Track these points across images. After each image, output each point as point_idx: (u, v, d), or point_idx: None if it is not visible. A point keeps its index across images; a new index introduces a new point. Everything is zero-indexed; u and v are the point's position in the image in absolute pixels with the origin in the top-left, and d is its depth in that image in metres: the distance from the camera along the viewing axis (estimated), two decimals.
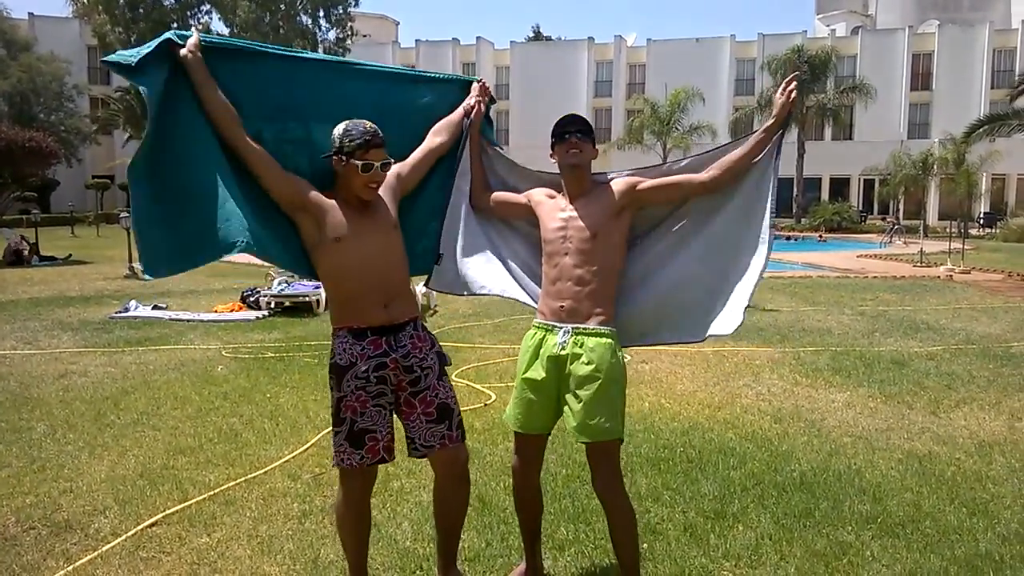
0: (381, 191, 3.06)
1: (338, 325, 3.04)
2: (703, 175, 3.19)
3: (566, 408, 3.05)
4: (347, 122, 2.95)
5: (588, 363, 2.99)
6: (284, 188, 2.97)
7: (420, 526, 3.91)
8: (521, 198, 3.36)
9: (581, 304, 3.06)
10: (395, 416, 3.08)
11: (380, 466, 3.09)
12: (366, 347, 2.96)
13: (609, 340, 3.06)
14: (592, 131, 3.22)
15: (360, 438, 2.95)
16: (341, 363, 2.97)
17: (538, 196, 3.31)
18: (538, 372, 3.07)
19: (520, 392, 3.15)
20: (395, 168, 3.13)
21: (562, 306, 3.08)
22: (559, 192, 3.26)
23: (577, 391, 2.99)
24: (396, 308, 3.01)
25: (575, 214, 3.12)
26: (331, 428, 3.05)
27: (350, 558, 3.16)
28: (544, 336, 3.11)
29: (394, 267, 3.05)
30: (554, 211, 3.19)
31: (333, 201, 2.98)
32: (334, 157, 2.95)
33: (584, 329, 3.04)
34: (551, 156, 3.23)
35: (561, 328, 3.06)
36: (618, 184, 3.20)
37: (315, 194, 2.97)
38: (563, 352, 3.03)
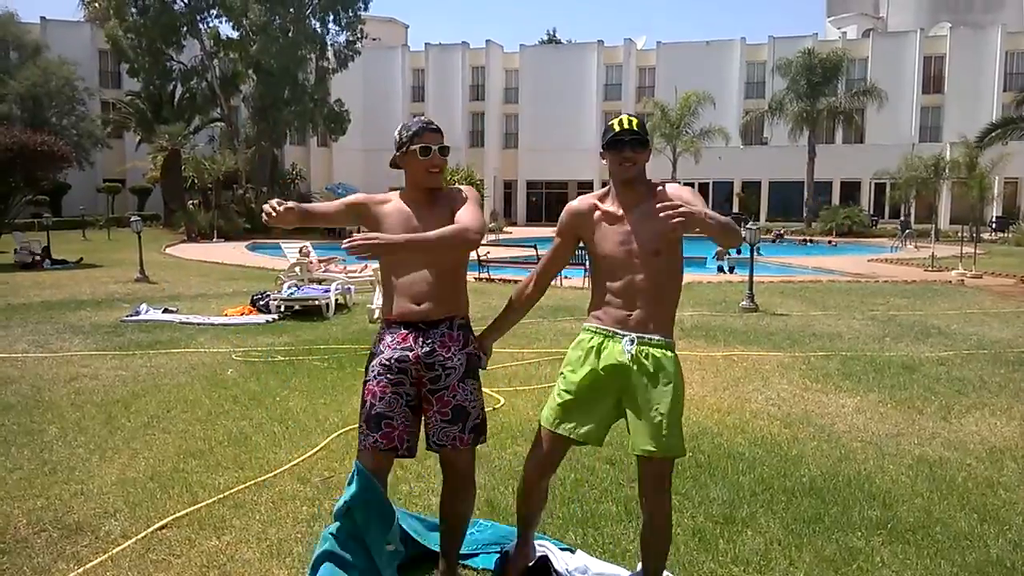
0: (447, 206, 3.11)
1: (383, 316, 3.23)
2: None
3: (632, 420, 2.99)
4: (403, 123, 3.18)
5: (659, 376, 2.95)
6: (348, 217, 3.34)
7: (429, 530, 3.91)
8: (560, 241, 3.25)
9: (648, 315, 3.00)
10: (418, 416, 3.16)
11: (391, 469, 3.12)
12: (395, 338, 3.10)
13: (674, 354, 3.03)
14: (647, 133, 3.08)
15: (377, 422, 3.06)
16: (374, 350, 3.16)
17: (579, 218, 3.15)
18: (601, 377, 3.01)
19: (567, 393, 3.08)
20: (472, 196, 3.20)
21: (628, 315, 3.00)
22: (603, 199, 3.12)
23: (648, 404, 2.94)
24: (430, 306, 3.09)
25: (634, 229, 3.00)
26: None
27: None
28: (603, 342, 3.03)
29: (439, 272, 3.10)
30: (611, 228, 3.04)
31: (393, 210, 3.14)
32: (397, 155, 3.12)
33: (650, 340, 2.99)
34: (601, 158, 3.09)
35: (625, 336, 2.99)
36: (685, 199, 2.96)
37: (376, 210, 3.18)
38: (628, 361, 2.96)
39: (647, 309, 2.99)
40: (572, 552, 3.63)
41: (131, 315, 10.94)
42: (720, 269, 19.83)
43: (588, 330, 3.11)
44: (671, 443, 2.95)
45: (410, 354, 3.06)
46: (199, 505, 4.22)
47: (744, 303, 12.06)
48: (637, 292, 2.99)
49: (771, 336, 9.63)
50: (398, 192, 3.22)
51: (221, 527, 3.96)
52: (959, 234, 27.10)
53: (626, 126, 3.00)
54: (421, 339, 3.08)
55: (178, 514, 4.10)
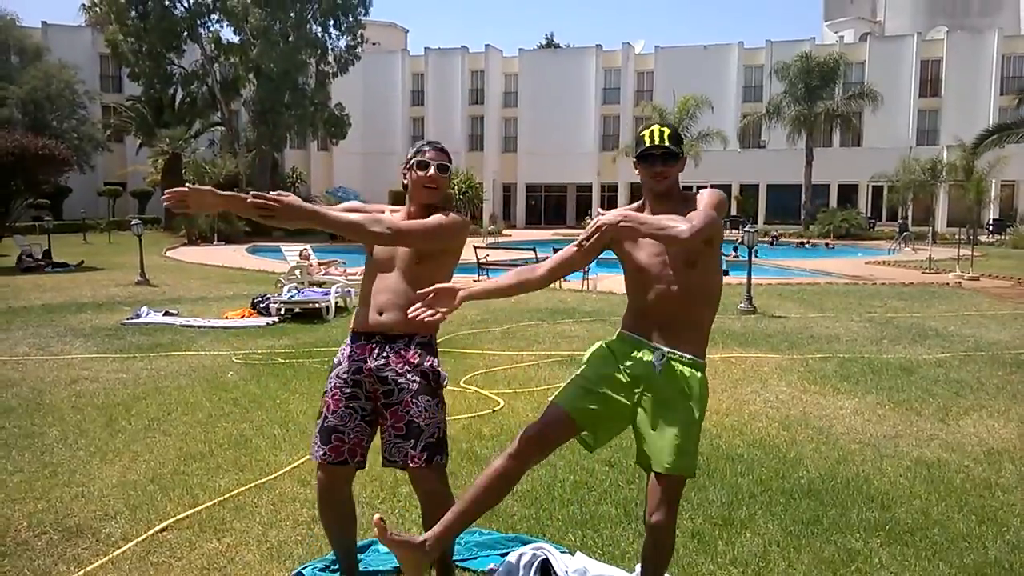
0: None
1: (351, 326, 3.22)
2: None
3: (651, 434, 2.89)
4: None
5: (686, 393, 2.88)
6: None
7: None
8: (590, 253, 2.98)
9: (681, 331, 2.91)
10: (373, 428, 3.17)
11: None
12: (353, 349, 3.13)
13: (703, 372, 2.94)
14: (680, 141, 2.95)
15: (327, 435, 3.10)
16: (335, 360, 3.19)
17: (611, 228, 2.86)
18: (625, 379, 2.92)
19: (581, 379, 2.99)
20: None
21: (661, 330, 2.91)
22: (638, 211, 2.97)
23: (672, 419, 2.85)
24: (392, 319, 3.07)
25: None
26: None
27: (334, 548, 3.32)
28: (633, 349, 2.95)
29: (407, 285, 3.07)
30: (645, 239, 2.90)
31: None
32: (403, 172, 3.18)
33: (681, 357, 2.90)
34: (634, 167, 2.99)
35: (657, 349, 2.90)
36: (697, 202, 2.90)
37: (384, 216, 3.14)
38: (657, 375, 2.88)
39: (680, 325, 2.91)
40: (571, 554, 3.65)
41: (132, 318, 10.95)
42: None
43: (622, 337, 3.03)
44: (689, 462, 2.90)
45: (363, 366, 3.08)
46: (199, 507, 4.23)
47: (742, 305, 12.08)
48: (671, 305, 2.91)
49: (769, 338, 9.65)
50: (404, 209, 3.22)
51: (221, 529, 3.97)
52: (956, 236, 27.16)
53: (656, 140, 2.89)
54: (376, 351, 3.07)
55: (178, 516, 4.11)
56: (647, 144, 2.90)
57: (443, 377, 3.16)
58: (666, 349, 2.89)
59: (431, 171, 3.10)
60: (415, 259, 3.11)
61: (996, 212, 40.91)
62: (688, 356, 2.90)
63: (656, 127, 2.93)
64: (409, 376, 3.05)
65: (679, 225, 2.68)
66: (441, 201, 3.18)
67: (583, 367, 3.05)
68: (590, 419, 2.95)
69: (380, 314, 3.08)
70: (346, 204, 3.30)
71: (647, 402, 2.90)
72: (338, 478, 3.16)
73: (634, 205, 3.07)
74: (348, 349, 3.15)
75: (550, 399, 3.05)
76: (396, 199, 45.35)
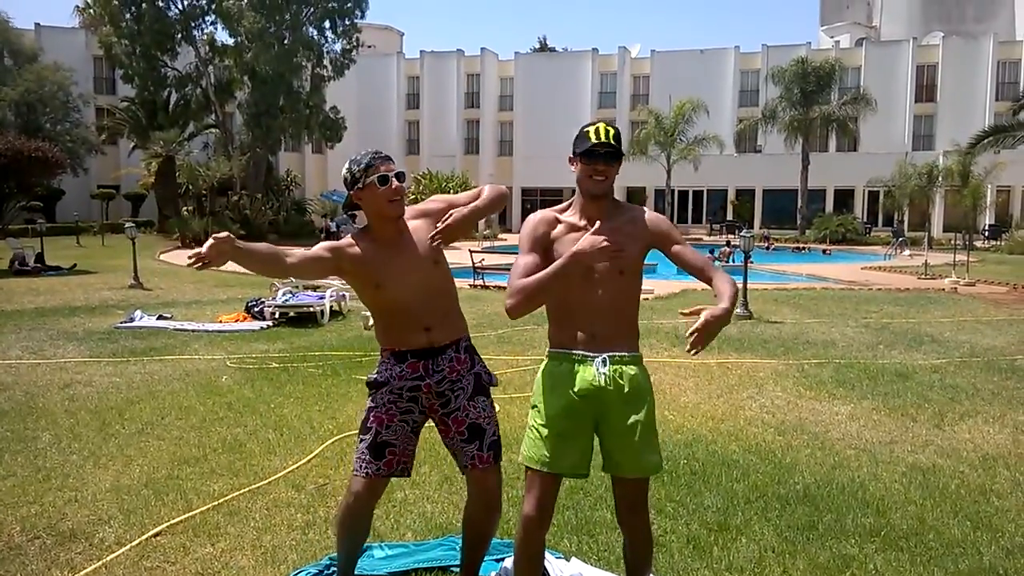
0: (422, 222, 3.12)
1: (383, 346, 3.18)
2: (713, 283, 2.82)
3: (609, 443, 2.87)
4: (350, 159, 3.09)
5: (635, 394, 2.84)
6: (321, 271, 3.18)
7: (423, 537, 3.92)
8: (535, 258, 2.87)
9: (614, 331, 2.87)
10: (418, 436, 3.18)
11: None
12: (404, 369, 3.09)
13: (643, 366, 2.94)
14: (621, 142, 2.87)
15: (381, 450, 3.07)
16: (380, 379, 3.12)
17: (546, 227, 2.92)
18: (576, 406, 2.84)
19: (547, 428, 2.87)
20: (448, 201, 3.20)
21: (594, 334, 2.85)
22: (564, 212, 2.96)
23: (627, 425, 2.83)
24: (437, 332, 3.10)
25: None
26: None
27: (342, 557, 3.26)
28: (573, 367, 2.86)
29: (436, 297, 3.12)
30: (572, 241, 2.82)
31: (366, 252, 3.05)
32: (353, 195, 3.06)
33: (621, 357, 2.86)
34: (570, 163, 2.88)
35: (596, 357, 2.83)
36: (652, 226, 2.90)
37: (348, 254, 3.05)
38: (605, 385, 2.81)
39: (612, 325, 2.86)
40: (567, 560, 3.64)
41: (125, 322, 10.92)
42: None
43: (555, 357, 2.93)
44: (651, 461, 2.89)
45: (422, 384, 3.08)
46: (193, 512, 4.21)
47: (738, 310, 12.08)
48: (599, 310, 2.85)
49: (765, 343, 9.66)
50: (360, 233, 3.11)
51: (215, 534, 3.95)
52: (952, 242, 27.22)
53: (603, 137, 2.81)
54: (432, 366, 3.08)
55: (172, 521, 4.10)
56: (592, 141, 2.80)
57: (493, 378, 3.23)
58: (606, 354, 2.84)
59: (393, 184, 3.03)
60: (432, 261, 3.10)
61: (992, 218, 41.01)
62: (627, 354, 2.88)
63: (602, 124, 2.85)
64: (464, 381, 3.11)
65: (725, 291, 2.74)
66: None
67: (536, 409, 2.93)
68: (566, 462, 2.88)
69: (427, 330, 3.08)
70: (314, 251, 3.10)
71: (602, 414, 2.86)
72: (379, 490, 3.15)
73: (558, 207, 3.00)
74: (397, 368, 3.09)
75: (523, 459, 2.94)
76: None
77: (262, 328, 10.62)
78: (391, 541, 3.88)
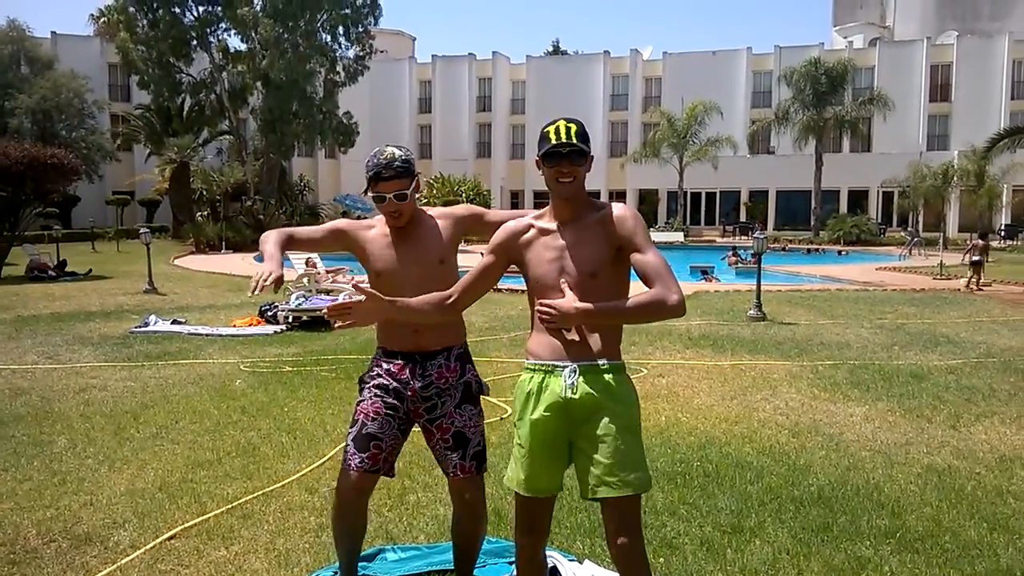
0: (441, 222, 3.15)
1: (378, 344, 3.21)
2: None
3: (581, 461, 2.65)
4: (373, 151, 3.09)
5: (609, 404, 2.61)
6: (334, 245, 3.24)
7: (436, 539, 3.92)
8: (491, 260, 2.84)
9: (587, 338, 2.67)
10: (405, 436, 3.18)
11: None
12: (392, 368, 3.10)
13: (623, 376, 2.71)
14: (588, 140, 2.66)
15: (366, 442, 3.04)
16: (370, 375, 3.15)
17: (513, 237, 2.81)
18: (546, 423, 2.67)
19: (522, 449, 2.73)
20: (477, 213, 3.25)
21: (567, 342, 2.67)
22: (540, 218, 2.81)
23: (601, 440, 2.59)
24: (428, 336, 3.08)
25: (569, 247, 2.69)
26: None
27: (342, 558, 3.24)
28: (543, 379, 2.69)
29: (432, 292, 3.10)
30: (545, 246, 2.73)
31: (377, 236, 3.13)
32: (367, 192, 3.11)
33: (593, 366, 2.65)
34: (537, 167, 2.70)
35: (565, 367, 2.65)
36: (618, 225, 2.67)
37: (359, 236, 3.17)
38: (572, 395, 2.63)
39: (584, 331, 2.67)
40: (580, 563, 3.63)
41: (140, 326, 10.99)
42: (706, 275, 20.34)
43: (528, 369, 2.77)
44: (634, 478, 2.59)
45: (407, 388, 3.07)
46: (207, 515, 4.23)
47: (752, 312, 12.04)
48: None
49: (779, 345, 9.62)
50: (382, 218, 3.18)
51: (229, 537, 3.97)
52: (968, 242, 27.01)
53: (563, 136, 2.61)
54: (419, 371, 3.07)
55: (186, 524, 4.11)
56: (552, 141, 2.62)
57: (485, 387, 3.21)
58: (576, 364, 2.65)
59: (391, 205, 3.05)
60: (437, 260, 3.10)
61: (1008, 217, 40.75)
62: (603, 362, 2.67)
63: (562, 122, 2.65)
64: (453, 389, 3.10)
65: (669, 298, 2.53)
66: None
67: (516, 426, 2.81)
68: (546, 484, 2.74)
69: (416, 332, 3.07)
70: (333, 224, 3.31)
71: (574, 429, 2.66)
72: (367, 486, 3.11)
73: (535, 214, 2.86)
74: (385, 366, 3.12)
75: (506, 482, 2.85)
76: None
77: (276, 332, 10.66)
78: (404, 544, 3.88)
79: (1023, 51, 44.89)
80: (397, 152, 3.04)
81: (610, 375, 2.66)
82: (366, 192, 3.08)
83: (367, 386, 3.13)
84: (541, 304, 2.63)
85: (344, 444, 3.20)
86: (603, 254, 2.67)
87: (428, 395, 3.08)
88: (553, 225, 2.75)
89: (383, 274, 3.09)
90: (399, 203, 3.04)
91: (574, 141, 2.62)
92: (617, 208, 2.72)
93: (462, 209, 3.27)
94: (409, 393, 3.07)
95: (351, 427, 3.12)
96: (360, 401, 3.13)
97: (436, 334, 3.10)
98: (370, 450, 3.04)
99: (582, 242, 2.68)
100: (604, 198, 48.38)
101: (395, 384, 3.08)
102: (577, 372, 2.64)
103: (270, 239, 3.08)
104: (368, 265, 3.16)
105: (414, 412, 3.11)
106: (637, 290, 2.65)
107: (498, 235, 2.85)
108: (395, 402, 3.08)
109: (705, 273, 21.00)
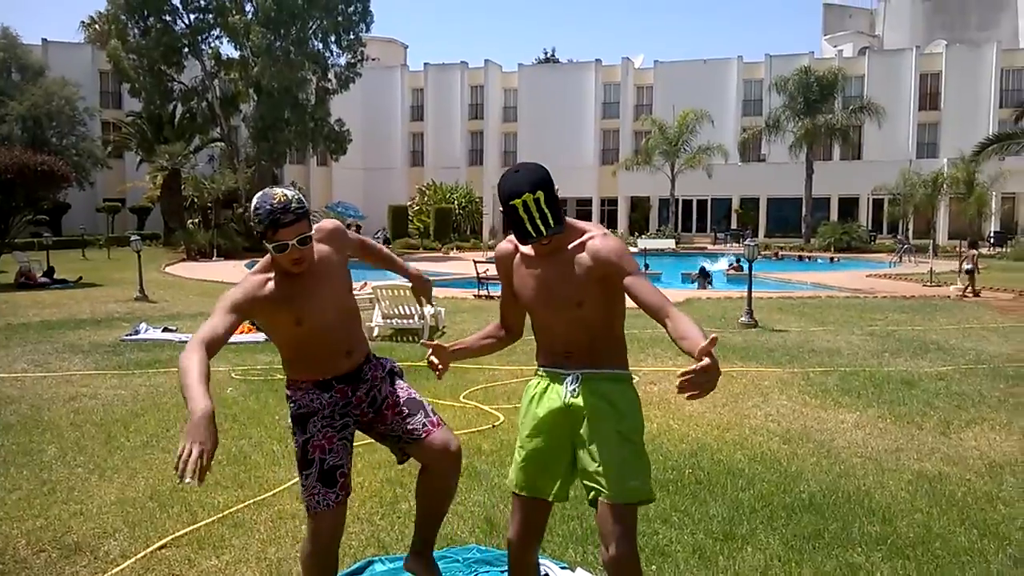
0: (322, 248, 2.94)
1: (303, 379, 2.98)
2: (669, 326, 2.54)
3: (583, 467, 2.66)
4: (258, 195, 2.78)
5: (605, 413, 2.64)
6: (237, 323, 2.78)
7: None
8: (504, 283, 2.93)
9: (587, 351, 2.71)
10: (355, 442, 3.13)
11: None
12: (333, 395, 2.99)
13: (627, 384, 2.75)
14: (556, 202, 2.57)
15: (331, 475, 2.92)
16: (307, 411, 2.96)
17: (507, 258, 2.86)
18: (546, 425, 2.74)
19: (522, 450, 2.81)
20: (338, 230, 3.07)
21: (568, 353, 2.73)
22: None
23: (601, 446, 2.61)
24: (357, 353, 3.07)
25: (550, 279, 2.69)
26: (298, 474, 2.98)
27: None
28: (549, 385, 2.76)
29: (351, 319, 3.12)
30: (529, 276, 2.75)
31: (281, 289, 2.81)
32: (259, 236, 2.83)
33: (596, 374, 2.70)
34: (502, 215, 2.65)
35: (568, 375, 2.71)
36: (594, 258, 2.62)
37: (260, 300, 2.80)
38: (575, 401, 2.67)
39: (584, 347, 2.71)
40: (572, 570, 3.63)
41: (130, 334, 10.95)
42: (702, 277, 20.45)
43: (536, 374, 2.85)
44: (631, 486, 2.60)
45: (351, 401, 3.02)
46: (198, 524, 4.21)
47: (743, 319, 12.07)
48: (567, 339, 2.73)
49: (770, 352, 9.64)
50: (268, 265, 2.86)
51: (220, 546, 3.95)
52: (957, 249, 27.16)
53: (539, 225, 2.53)
54: (357, 384, 3.04)
55: (177, 534, 4.10)
56: (532, 235, 2.56)
57: (399, 367, 3.23)
58: (579, 372, 2.70)
59: (292, 251, 2.76)
60: (346, 292, 3.05)
61: (997, 225, 40.97)
62: (605, 371, 2.71)
63: (528, 197, 2.51)
64: (383, 380, 3.11)
65: (693, 333, 2.51)
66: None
67: (520, 432, 2.87)
68: (546, 488, 2.77)
69: (349, 354, 3.03)
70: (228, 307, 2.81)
71: (576, 435, 2.69)
72: (342, 520, 3.02)
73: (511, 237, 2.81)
74: (325, 396, 2.96)
75: (508, 483, 2.91)
76: (395, 214, 44.82)
77: (266, 340, 10.60)
78: (395, 554, 3.87)
79: (1011, 60, 45.22)
80: (289, 193, 2.77)
81: (613, 384, 2.71)
82: (262, 242, 2.77)
83: (309, 422, 2.93)
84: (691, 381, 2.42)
85: (299, 493, 3.02)
86: (586, 286, 2.64)
87: (371, 394, 3.06)
88: (534, 254, 2.74)
89: (304, 321, 2.84)
90: (302, 248, 2.76)
91: (552, 227, 2.56)
92: (593, 242, 2.64)
93: (327, 224, 3.06)
94: (355, 402, 3.03)
95: (306, 468, 2.92)
96: (308, 439, 2.93)
97: (360, 347, 3.09)
98: (338, 480, 2.94)
99: (564, 277, 2.66)
100: (596, 205, 48.83)
101: (341, 405, 2.99)
102: (579, 379, 2.69)
103: (191, 374, 2.68)
104: (282, 321, 2.86)
105: (361, 416, 3.06)
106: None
107: (496, 260, 2.96)
108: (344, 421, 3.01)
109: (704, 275, 21.11)
